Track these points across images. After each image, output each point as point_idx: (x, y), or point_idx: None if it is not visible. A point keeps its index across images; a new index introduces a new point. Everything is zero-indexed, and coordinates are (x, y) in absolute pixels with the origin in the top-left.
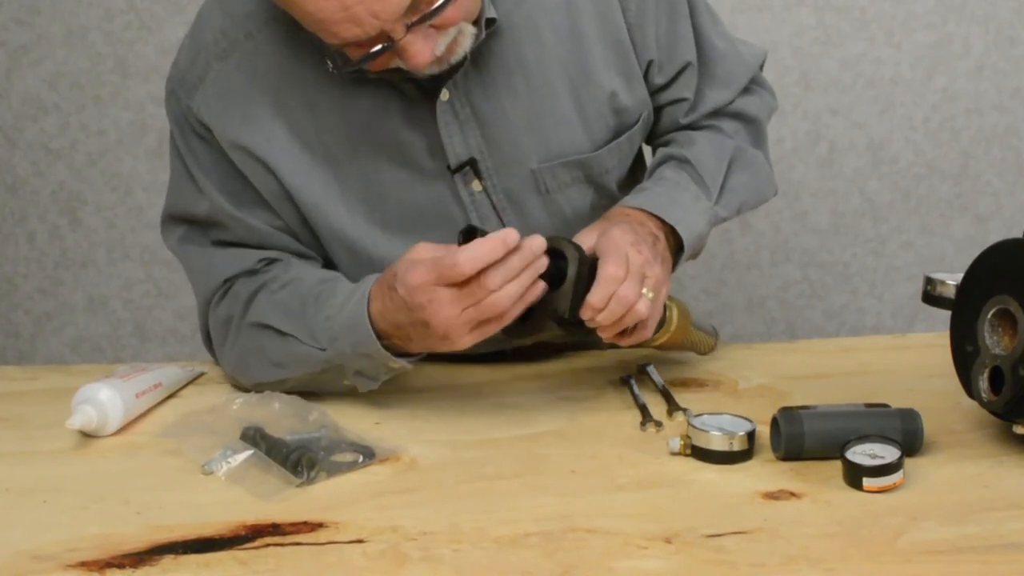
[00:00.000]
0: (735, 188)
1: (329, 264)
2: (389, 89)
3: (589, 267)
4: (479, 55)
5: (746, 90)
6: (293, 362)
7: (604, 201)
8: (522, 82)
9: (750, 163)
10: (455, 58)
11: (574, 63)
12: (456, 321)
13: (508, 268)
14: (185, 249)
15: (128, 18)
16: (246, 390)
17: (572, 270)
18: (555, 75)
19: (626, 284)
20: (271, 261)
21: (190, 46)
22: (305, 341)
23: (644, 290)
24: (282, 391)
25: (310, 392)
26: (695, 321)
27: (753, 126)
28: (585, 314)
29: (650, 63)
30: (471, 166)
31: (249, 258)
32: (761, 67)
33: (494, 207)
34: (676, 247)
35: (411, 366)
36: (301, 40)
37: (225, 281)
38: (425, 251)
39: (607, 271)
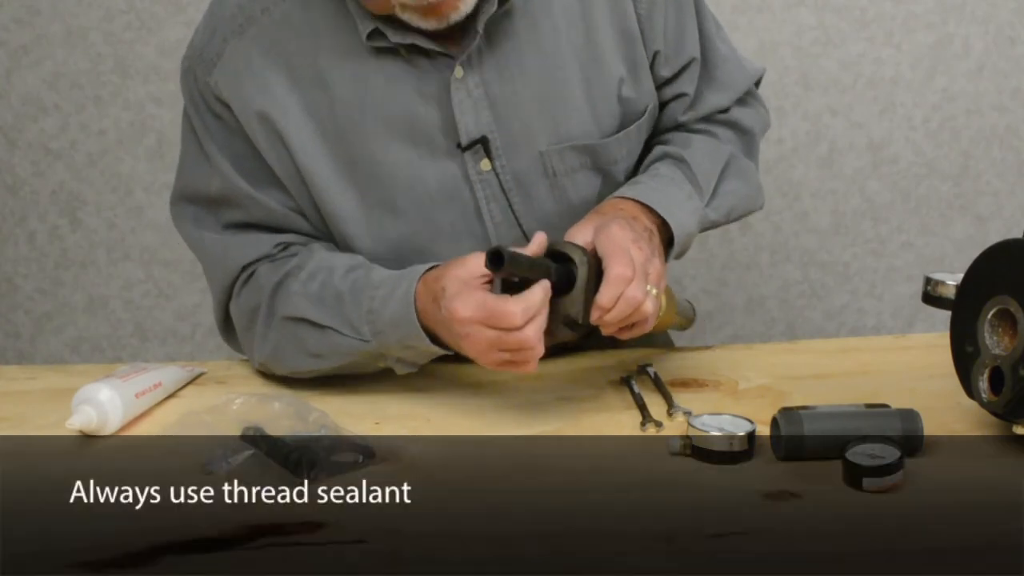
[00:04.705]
0: (727, 193)
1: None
2: (404, 66)
3: (596, 269)
4: (493, 35)
5: (743, 102)
6: (333, 353)
7: (611, 191)
8: (535, 63)
9: (743, 171)
10: (456, 15)
11: (585, 48)
12: (487, 357)
13: (542, 320)
14: (199, 235)
15: (128, 18)
16: (278, 377)
17: (582, 274)
18: (567, 58)
19: (633, 284)
20: (288, 245)
21: (206, 25)
22: (346, 333)
23: (648, 287)
24: (315, 376)
25: (313, 389)
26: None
27: (747, 138)
28: (593, 315)
29: (656, 54)
30: (483, 144)
31: (265, 243)
32: (758, 84)
33: (502, 188)
34: (665, 242)
35: (453, 351)
36: (316, 15)
37: (244, 268)
38: (476, 271)
39: (615, 271)
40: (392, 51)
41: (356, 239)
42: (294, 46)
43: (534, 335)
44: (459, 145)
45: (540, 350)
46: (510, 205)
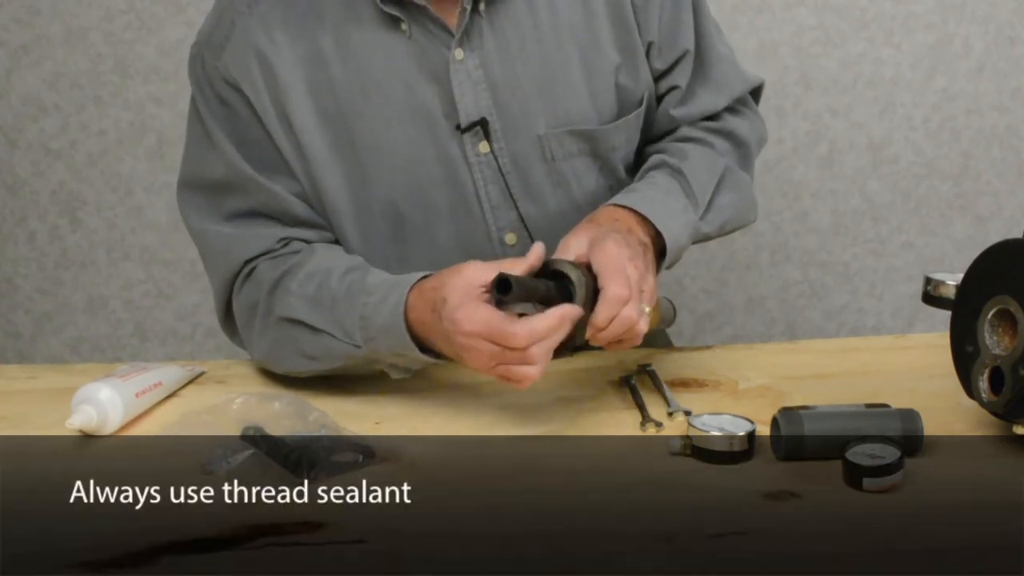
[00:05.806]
0: (721, 206)
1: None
2: (404, 44)
3: (591, 287)
4: (495, 16)
5: (738, 111)
6: (327, 356)
7: (611, 182)
8: (535, 47)
9: (738, 184)
10: None
11: (584, 32)
12: (486, 370)
13: (551, 343)
14: (202, 226)
15: (128, 18)
16: (278, 376)
17: (580, 296)
18: (567, 42)
19: (630, 305)
20: (290, 241)
21: (213, 12)
22: (339, 337)
23: (642, 305)
24: (311, 376)
25: (313, 389)
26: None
27: (742, 149)
28: (587, 333)
29: (650, 45)
30: (481, 127)
31: (268, 238)
32: (757, 98)
33: (500, 171)
34: (657, 252)
35: (446, 362)
36: None
37: (246, 263)
38: (475, 280)
39: (612, 292)
40: (394, 25)
41: (345, 218)
42: (297, 26)
43: (536, 355)
44: (458, 127)
45: (539, 372)
46: (507, 188)
